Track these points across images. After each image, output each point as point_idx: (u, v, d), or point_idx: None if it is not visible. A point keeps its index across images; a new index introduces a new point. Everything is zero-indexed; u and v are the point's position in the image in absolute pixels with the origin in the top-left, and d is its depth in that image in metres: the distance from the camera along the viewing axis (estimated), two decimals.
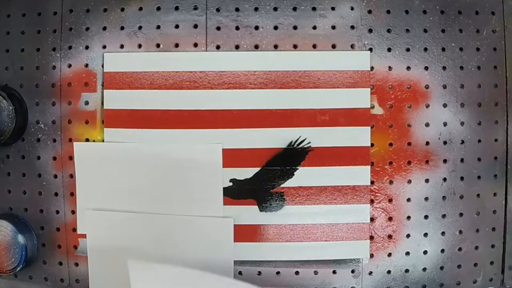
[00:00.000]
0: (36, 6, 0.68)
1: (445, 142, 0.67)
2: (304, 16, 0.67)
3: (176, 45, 0.67)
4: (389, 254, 0.68)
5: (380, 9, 0.67)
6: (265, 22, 0.67)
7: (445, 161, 0.67)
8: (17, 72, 0.69)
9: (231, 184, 0.67)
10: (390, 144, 0.67)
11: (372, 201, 0.67)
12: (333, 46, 0.67)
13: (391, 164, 0.67)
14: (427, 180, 0.67)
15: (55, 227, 0.69)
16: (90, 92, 0.68)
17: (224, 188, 0.67)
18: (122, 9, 0.68)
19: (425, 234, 0.67)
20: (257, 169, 0.67)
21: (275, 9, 0.67)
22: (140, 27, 0.67)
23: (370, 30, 0.67)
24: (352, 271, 0.68)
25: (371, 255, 0.68)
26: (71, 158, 0.68)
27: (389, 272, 0.68)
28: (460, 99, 0.67)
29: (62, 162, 0.68)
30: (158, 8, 0.67)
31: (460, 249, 0.68)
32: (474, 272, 0.68)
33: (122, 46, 0.68)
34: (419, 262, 0.68)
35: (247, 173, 0.67)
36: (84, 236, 0.68)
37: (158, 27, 0.67)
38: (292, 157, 0.67)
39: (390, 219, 0.68)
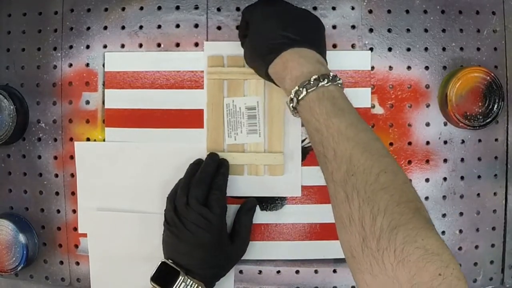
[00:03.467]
0: (37, 5, 0.68)
1: (445, 142, 0.67)
2: None
3: (177, 45, 0.67)
4: None
5: (381, 9, 0.67)
6: None
7: (445, 160, 0.67)
8: (18, 71, 0.69)
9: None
10: (391, 144, 0.67)
11: None
12: (334, 46, 0.67)
13: None
14: (427, 180, 0.68)
15: (56, 226, 0.69)
16: (91, 92, 0.68)
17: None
18: (123, 9, 0.68)
19: None
20: None
21: None
22: (141, 27, 0.67)
23: (371, 30, 0.67)
24: None
25: None
26: (72, 157, 0.68)
27: None
28: None
29: (63, 161, 0.68)
30: (159, 8, 0.67)
31: (460, 248, 0.68)
32: (474, 271, 0.68)
33: (123, 46, 0.68)
34: None
35: None
36: (85, 235, 0.68)
37: (159, 26, 0.67)
38: None
39: None
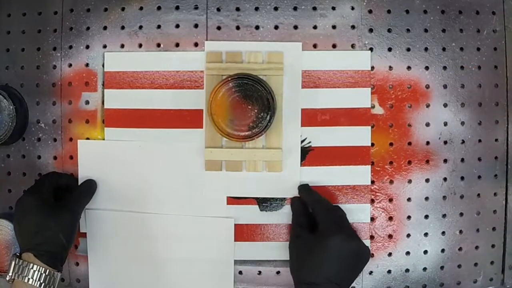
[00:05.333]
0: (37, 5, 0.68)
1: (445, 142, 0.67)
2: (304, 16, 0.67)
3: (177, 45, 0.67)
4: (390, 254, 0.68)
5: (381, 9, 0.67)
6: (266, 22, 0.67)
7: (445, 161, 0.67)
8: (17, 71, 0.69)
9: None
10: (391, 144, 0.67)
11: (372, 201, 0.67)
12: (334, 46, 0.67)
13: (391, 163, 0.67)
14: (427, 180, 0.67)
15: None
16: (90, 92, 0.68)
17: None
18: (123, 9, 0.68)
19: (426, 234, 0.68)
20: None
21: (276, 8, 0.67)
22: (140, 27, 0.67)
23: (371, 30, 0.67)
24: None
25: (372, 255, 0.68)
26: (71, 157, 0.68)
27: (389, 271, 0.68)
28: (460, 99, 0.67)
29: (63, 161, 0.68)
30: (159, 8, 0.67)
31: (460, 249, 0.68)
32: (474, 272, 0.68)
33: (122, 46, 0.68)
34: (420, 261, 0.68)
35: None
36: (84, 235, 0.68)
37: (159, 26, 0.67)
38: None
39: (390, 218, 0.68)
